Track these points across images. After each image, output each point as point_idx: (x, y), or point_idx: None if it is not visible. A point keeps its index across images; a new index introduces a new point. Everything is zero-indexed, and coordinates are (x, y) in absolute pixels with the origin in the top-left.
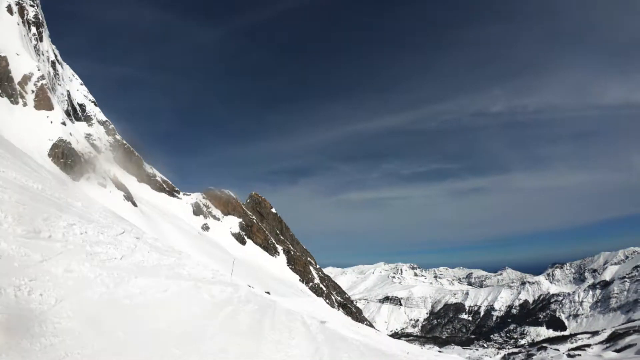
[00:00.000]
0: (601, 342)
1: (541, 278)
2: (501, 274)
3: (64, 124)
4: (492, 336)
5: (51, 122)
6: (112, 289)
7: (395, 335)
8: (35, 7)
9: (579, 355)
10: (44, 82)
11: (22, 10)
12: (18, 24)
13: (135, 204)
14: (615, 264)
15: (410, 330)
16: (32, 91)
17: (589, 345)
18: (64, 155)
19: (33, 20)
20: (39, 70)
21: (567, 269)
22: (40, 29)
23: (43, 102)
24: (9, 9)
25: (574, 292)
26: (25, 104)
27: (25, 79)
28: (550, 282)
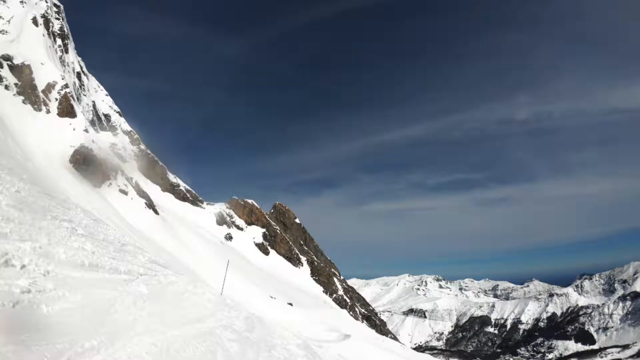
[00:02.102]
0: (632, 356)
1: (569, 290)
2: (528, 285)
3: (86, 131)
4: (518, 350)
5: (74, 129)
6: None
7: (420, 349)
8: (61, 20)
9: None
10: (67, 90)
11: (47, 23)
12: (43, 35)
13: (157, 212)
14: None
15: (434, 343)
16: (56, 99)
17: None
18: (85, 162)
19: (58, 32)
20: (62, 79)
21: (596, 280)
22: (66, 41)
23: (66, 109)
24: (34, 21)
25: (603, 304)
26: (48, 111)
27: (49, 87)
28: (579, 294)
